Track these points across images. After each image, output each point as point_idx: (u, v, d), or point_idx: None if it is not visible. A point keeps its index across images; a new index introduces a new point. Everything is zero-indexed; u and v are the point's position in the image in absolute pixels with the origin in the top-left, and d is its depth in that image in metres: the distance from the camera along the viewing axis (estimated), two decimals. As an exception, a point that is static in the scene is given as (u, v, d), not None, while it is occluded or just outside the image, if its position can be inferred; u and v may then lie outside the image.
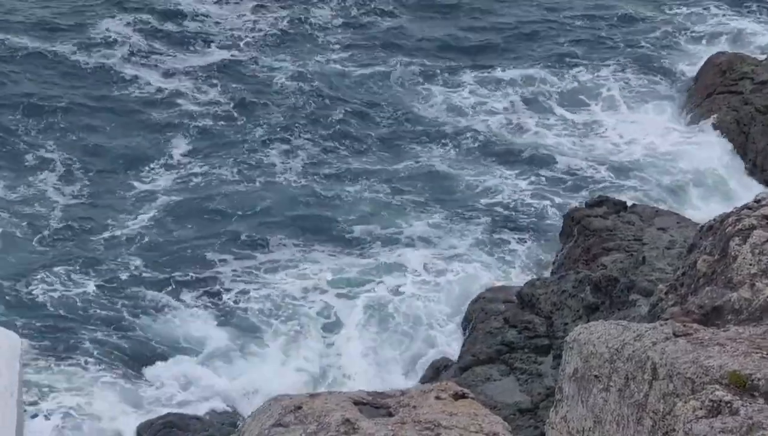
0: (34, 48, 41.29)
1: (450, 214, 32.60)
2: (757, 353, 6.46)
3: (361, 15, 46.58)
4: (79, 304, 27.77)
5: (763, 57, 40.82)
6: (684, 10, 48.06)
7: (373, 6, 47.18)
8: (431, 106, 39.63)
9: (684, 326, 7.28)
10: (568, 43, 45.08)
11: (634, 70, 42.98)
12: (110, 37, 42.84)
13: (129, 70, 40.77)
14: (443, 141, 37.20)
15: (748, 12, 48.05)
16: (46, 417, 23.80)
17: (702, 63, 41.36)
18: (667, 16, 47.67)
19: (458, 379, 22.32)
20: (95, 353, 26.10)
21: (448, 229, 31.80)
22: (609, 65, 43.34)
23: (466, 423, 9.97)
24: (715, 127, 37.01)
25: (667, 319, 9.99)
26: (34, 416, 23.67)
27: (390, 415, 10.32)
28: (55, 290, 28.14)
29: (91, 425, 23.92)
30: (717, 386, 6.06)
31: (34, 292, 28.00)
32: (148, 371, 25.69)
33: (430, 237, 31.28)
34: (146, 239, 30.77)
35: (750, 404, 5.81)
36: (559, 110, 39.88)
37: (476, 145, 37.03)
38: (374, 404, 10.64)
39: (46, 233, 30.65)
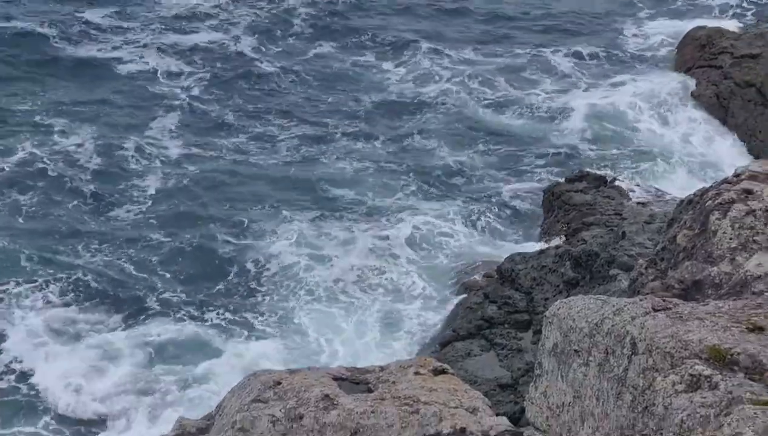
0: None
1: (428, 189, 32.74)
2: (737, 327, 6.44)
3: (340, 6, 47.25)
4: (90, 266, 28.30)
5: (742, 31, 40.93)
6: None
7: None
8: (403, 85, 40.21)
9: (664, 300, 7.26)
10: (538, 29, 45.76)
11: (607, 49, 43.72)
12: (98, 24, 43.67)
13: (123, 56, 41.52)
14: (418, 118, 37.63)
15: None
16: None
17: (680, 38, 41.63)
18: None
19: (438, 354, 22.34)
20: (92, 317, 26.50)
21: (427, 204, 31.89)
22: (584, 45, 43.91)
23: (445, 399, 9.96)
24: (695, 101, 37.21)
25: (647, 293, 9.98)
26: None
27: (369, 391, 10.30)
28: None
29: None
30: (696, 361, 6.04)
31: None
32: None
33: (410, 212, 31.32)
34: (147, 208, 31.28)
35: (730, 378, 5.79)
36: (530, 90, 40.25)
37: (452, 123, 37.35)
38: (353, 380, 10.61)
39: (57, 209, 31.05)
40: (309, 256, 29.08)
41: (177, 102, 37.99)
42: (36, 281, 27.57)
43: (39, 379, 24.40)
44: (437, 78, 40.68)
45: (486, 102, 38.90)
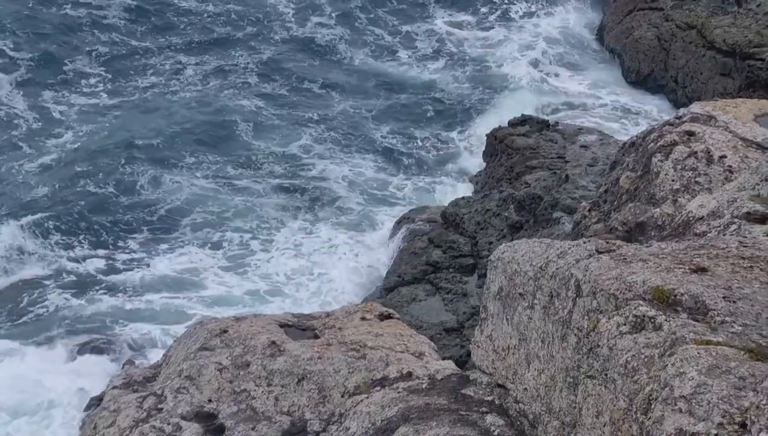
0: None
1: (335, 136, 32.56)
2: (679, 268, 6.49)
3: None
4: None
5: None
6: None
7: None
8: (297, 23, 40.30)
9: (607, 242, 7.29)
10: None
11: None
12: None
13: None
14: (312, 59, 37.59)
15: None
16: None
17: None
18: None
19: (383, 300, 22.38)
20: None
21: (360, 149, 31.82)
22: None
23: (391, 343, 10.00)
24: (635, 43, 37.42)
25: (590, 236, 10.04)
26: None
27: (316, 337, 10.32)
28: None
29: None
30: (640, 302, 6.08)
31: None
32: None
33: (343, 160, 31.22)
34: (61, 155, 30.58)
35: (673, 319, 5.83)
36: (426, 24, 40.59)
37: (348, 69, 37.38)
38: (300, 326, 10.63)
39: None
40: (227, 210, 28.52)
41: (97, 35, 37.77)
42: None
43: None
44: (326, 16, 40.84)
45: (379, 46, 39.05)
